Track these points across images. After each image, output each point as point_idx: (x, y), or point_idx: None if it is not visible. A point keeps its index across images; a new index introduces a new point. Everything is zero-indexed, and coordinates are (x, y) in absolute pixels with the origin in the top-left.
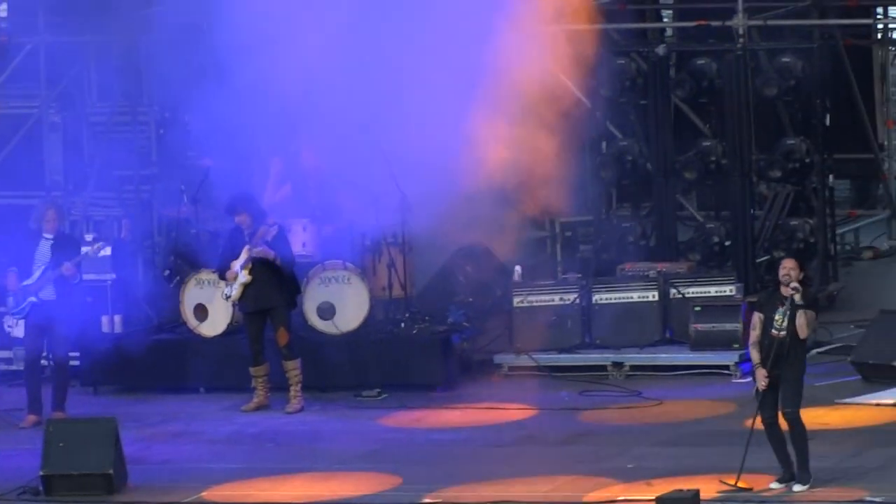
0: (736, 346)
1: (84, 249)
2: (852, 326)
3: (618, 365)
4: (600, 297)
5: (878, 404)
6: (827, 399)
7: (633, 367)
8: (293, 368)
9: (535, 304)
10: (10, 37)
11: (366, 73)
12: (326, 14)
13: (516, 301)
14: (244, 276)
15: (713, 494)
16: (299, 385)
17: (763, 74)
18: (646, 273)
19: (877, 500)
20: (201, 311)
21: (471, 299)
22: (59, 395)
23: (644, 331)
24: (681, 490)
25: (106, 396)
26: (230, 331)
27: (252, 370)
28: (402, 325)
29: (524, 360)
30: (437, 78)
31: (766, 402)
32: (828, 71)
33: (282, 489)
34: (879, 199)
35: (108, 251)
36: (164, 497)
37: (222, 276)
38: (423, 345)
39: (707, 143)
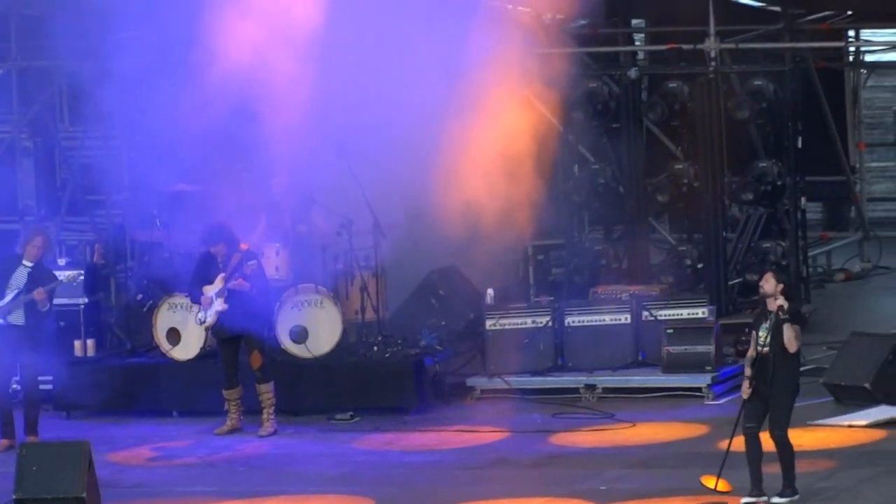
0: (708, 368)
1: (60, 276)
2: (824, 348)
3: (590, 387)
4: (573, 320)
5: (850, 426)
6: (800, 420)
7: (606, 390)
8: (266, 392)
9: (507, 326)
10: None
11: (339, 98)
12: (300, 35)
13: (489, 324)
14: (220, 305)
15: None
16: (272, 408)
17: (735, 97)
18: (618, 296)
19: None
20: (174, 335)
21: (443, 322)
22: (31, 418)
23: (617, 353)
24: None
25: (79, 420)
26: (203, 354)
27: (225, 393)
28: (375, 348)
29: (497, 383)
30: (410, 102)
31: (750, 413)
32: (799, 94)
33: None
34: (851, 221)
35: (80, 276)
36: None
37: (195, 301)
38: (396, 368)
39: (679, 166)
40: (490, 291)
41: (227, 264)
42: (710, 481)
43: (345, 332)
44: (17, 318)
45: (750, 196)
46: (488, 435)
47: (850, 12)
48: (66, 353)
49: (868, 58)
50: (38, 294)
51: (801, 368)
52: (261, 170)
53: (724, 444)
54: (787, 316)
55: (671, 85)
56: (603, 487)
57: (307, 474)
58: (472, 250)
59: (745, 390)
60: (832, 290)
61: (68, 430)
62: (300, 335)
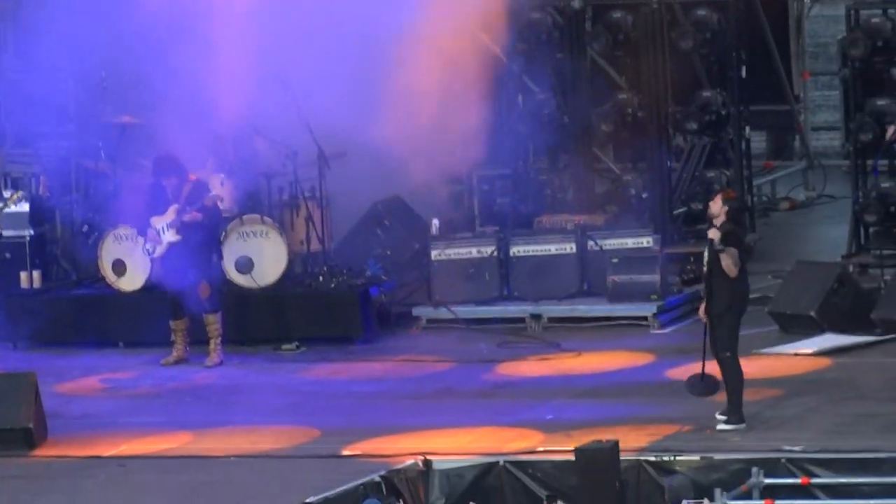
0: (654, 297)
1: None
2: (770, 277)
3: (536, 317)
4: (518, 250)
5: (796, 354)
6: (745, 349)
7: (552, 319)
8: (213, 322)
9: (452, 257)
10: None
11: (281, 27)
12: None
13: (434, 254)
14: (172, 236)
15: (632, 445)
16: (219, 339)
17: (679, 27)
18: (563, 225)
19: (795, 448)
20: (120, 267)
21: (389, 252)
22: None
23: (562, 283)
24: (600, 441)
25: (25, 351)
26: (149, 286)
27: (172, 324)
28: (321, 278)
29: (443, 313)
30: (353, 31)
31: (713, 339)
32: (743, 24)
33: (201, 443)
34: (796, 150)
35: (26, 207)
36: (85, 451)
37: (142, 232)
38: (342, 298)
39: (623, 96)
40: (435, 221)
41: (178, 196)
42: None
43: (290, 263)
44: None
45: (694, 125)
46: (434, 365)
47: None
48: (12, 284)
49: None
50: None
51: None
52: (204, 101)
53: (672, 373)
54: (720, 246)
55: (615, 15)
56: (549, 417)
57: (253, 404)
58: (416, 180)
59: (701, 312)
60: (777, 219)
61: (15, 362)
62: (246, 266)
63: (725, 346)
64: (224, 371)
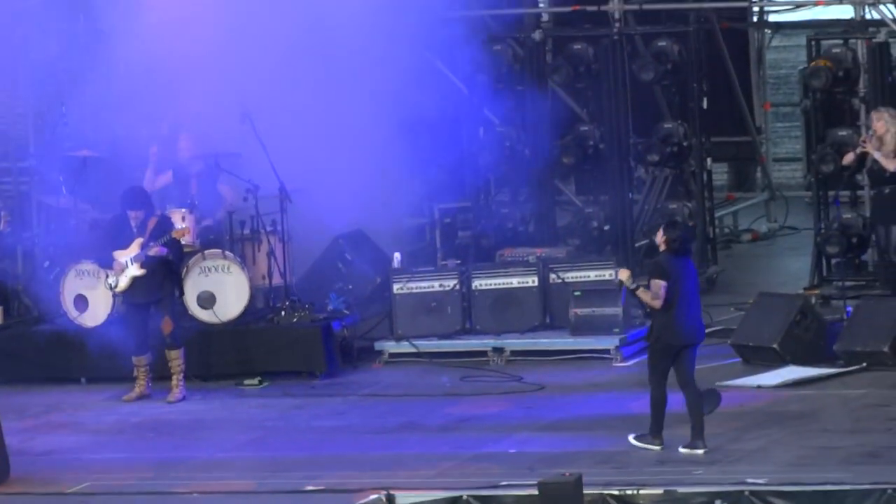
0: (616, 330)
1: None
2: (732, 309)
3: (498, 350)
4: (480, 283)
5: (758, 386)
6: (708, 381)
7: (514, 353)
8: (175, 358)
9: (414, 290)
10: None
11: (244, 62)
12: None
13: (396, 288)
14: (136, 270)
15: (596, 479)
16: (181, 374)
17: (640, 59)
18: (525, 258)
19: (759, 481)
20: (82, 302)
21: (351, 287)
22: None
23: (524, 316)
24: (563, 474)
25: None
26: (111, 321)
27: (134, 360)
28: (283, 313)
29: (405, 347)
30: (315, 68)
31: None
32: (704, 54)
33: (164, 478)
34: (757, 182)
35: None
36: (48, 488)
37: (105, 266)
38: (304, 333)
39: (585, 128)
40: (397, 255)
41: (143, 230)
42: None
43: (252, 298)
44: None
45: (656, 157)
46: (397, 399)
47: None
48: None
49: (772, 18)
50: None
51: (708, 329)
52: (166, 134)
53: (632, 406)
54: (632, 285)
55: (576, 46)
56: (512, 450)
57: (216, 440)
58: (378, 214)
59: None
60: (739, 251)
61: None
62: (207, 301)
63: (650, 374)
64: (187, 406)
